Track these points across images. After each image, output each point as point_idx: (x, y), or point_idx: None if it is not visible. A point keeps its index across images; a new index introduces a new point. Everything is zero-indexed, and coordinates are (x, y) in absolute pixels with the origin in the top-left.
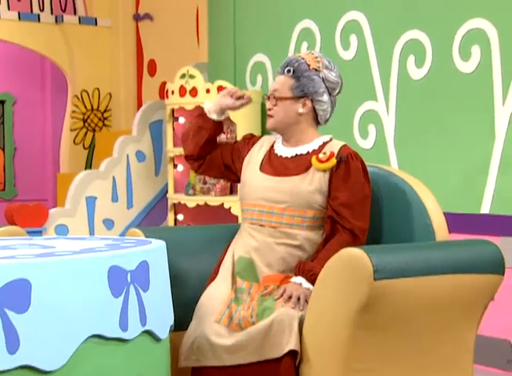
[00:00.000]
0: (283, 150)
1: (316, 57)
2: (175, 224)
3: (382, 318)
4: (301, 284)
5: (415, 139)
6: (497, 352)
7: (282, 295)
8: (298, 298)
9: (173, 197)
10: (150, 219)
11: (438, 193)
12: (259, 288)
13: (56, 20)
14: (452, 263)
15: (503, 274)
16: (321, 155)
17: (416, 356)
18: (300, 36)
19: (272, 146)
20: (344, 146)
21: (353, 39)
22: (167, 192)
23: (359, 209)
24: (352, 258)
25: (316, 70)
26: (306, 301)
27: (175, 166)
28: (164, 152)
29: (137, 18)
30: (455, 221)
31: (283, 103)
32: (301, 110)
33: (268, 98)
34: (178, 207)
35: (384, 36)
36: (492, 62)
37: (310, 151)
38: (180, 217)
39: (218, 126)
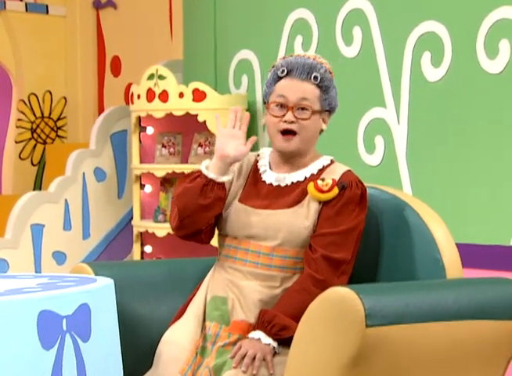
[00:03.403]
0: (273, 177)
1: (327, 63)
2: (142, 257)
3: (376, 373)
4: (259, 340)
5: (431, 153)
6: None
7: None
8: (254, 358)
9: (139, 225)
10: (112, 252)
11: (459, 219)
12: (224, 334)
13: None
14: (465, 306)
15: None
16: (320, 182)
17: None
18: (293, 29)
19: (256, 169)
20: (348, 171)
21: (357, 32)
22: (132, 218)
23: (339, 240)
24: (340, 299)
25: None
26: (265, 359)
27: (142, 186)
28: (128, 169)
29: (97, 5)
30: (477, 254)
31: (313, 117)
32: (324, 127)
33: (287, 107)
34: (145, 237)
35: (393, 28)
36: None
37: (308, 177)
38: (148, 249)
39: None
